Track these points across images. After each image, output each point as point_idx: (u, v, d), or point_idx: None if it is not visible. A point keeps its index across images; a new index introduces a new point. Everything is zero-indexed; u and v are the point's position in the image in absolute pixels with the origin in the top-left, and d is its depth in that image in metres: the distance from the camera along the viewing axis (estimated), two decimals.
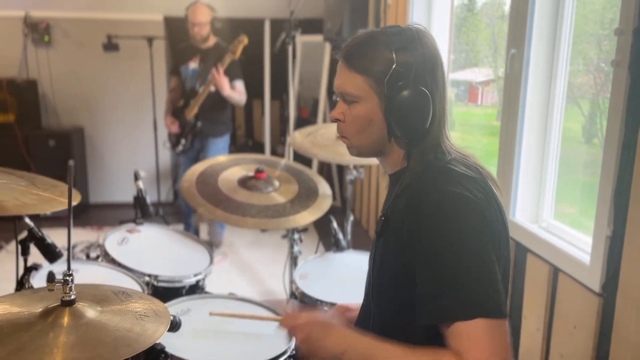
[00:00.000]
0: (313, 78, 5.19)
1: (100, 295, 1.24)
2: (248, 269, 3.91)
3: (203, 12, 3.87)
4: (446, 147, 1.14)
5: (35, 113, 4.97)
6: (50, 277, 1.12)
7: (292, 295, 2.02)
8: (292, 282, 2.03)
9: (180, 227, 4.56)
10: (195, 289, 1.81)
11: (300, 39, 5.05)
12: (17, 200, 1.25)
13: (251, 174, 2.17)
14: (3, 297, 1.21)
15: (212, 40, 4.00)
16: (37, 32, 4.94)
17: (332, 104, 4.64)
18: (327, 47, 4.83)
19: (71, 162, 1.08)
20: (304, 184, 2.22)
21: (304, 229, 3.82)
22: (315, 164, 4.94)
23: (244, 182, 2.15)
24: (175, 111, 4.09)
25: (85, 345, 1.05)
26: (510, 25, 2.29)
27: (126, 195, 5.17)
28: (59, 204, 1.35)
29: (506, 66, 2.30)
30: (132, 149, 5.31)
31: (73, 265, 1.69)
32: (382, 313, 1.18)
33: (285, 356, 1.47)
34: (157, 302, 1.26)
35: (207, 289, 2.23)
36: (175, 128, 4.03)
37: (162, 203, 5.00)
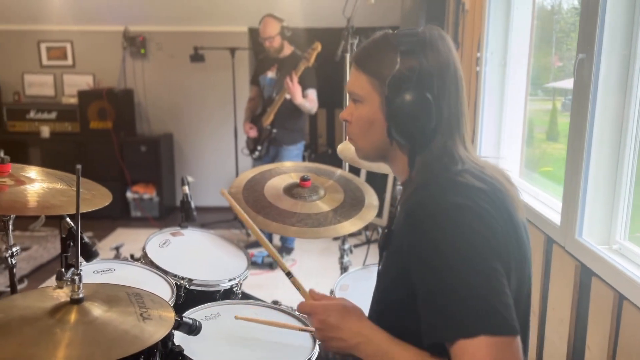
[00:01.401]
0: None
1: (113, 295, 1.28)
2: (313, 277, 3.91)
3: (270, 25, 3.95)
4: (460, 157, 1.07)
5: (131, 120, 5.34)
6: (59, 275, 1.17)
7: None
8: (331, 292, 1.99)
9: None
10: (230, 294, 1.83)
11: None
12: (46, 202, 1.33)
13: (297, 181, 2.17)
14: (26, 293, 1.28)
15: (288, 50, 4.07)
16: (135, 45, 5.32)
17: None
18: None
19: (78, 166, 1.12)
20: (351, 193, 2.18)
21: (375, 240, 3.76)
22: (391, 177, 4.84)
23: (289, 190, 2.14)
24: (254, 119, 4.22)
25: (81, 343, 1.09)
26: (581, 26, 2.10)
27: (210, 200, 5.39)
28: (87, 205, 1.42)
29: (574, 72, 2.12)
30: (215, 155, 5.54)
31: (112, 265, 1.78)
32: (385, 328, 1.12)
33: None
34: (166, 306, 1.28)
35: (263, 294, 2.25)
36: (253, 132, 4.16)
37: None
